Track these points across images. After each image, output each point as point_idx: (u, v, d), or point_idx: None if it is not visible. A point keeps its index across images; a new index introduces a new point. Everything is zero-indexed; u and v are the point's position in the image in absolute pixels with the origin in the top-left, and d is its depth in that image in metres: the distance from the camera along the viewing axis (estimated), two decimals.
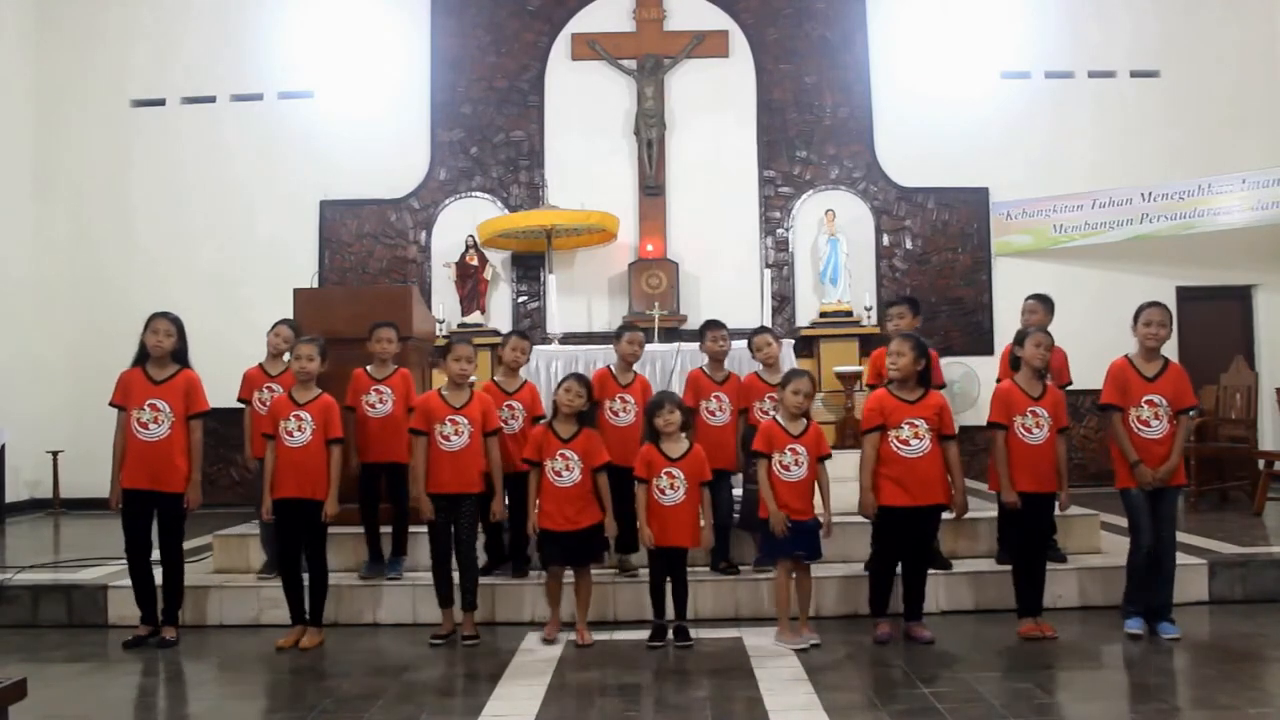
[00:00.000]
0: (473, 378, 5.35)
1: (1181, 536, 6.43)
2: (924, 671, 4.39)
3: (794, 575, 4.94)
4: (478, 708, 4.03)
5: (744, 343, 6.04)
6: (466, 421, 5.07)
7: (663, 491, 4.87)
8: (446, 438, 5.06)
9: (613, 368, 5.72)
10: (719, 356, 5.75)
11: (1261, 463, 8.17)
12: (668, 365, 6.77)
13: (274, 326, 5.97)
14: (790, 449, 4.83)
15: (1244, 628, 5.10)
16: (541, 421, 5.28)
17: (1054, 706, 4.00)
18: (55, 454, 9.76)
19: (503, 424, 5.44)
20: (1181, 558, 5.73)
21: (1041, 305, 5.90)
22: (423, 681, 4.52)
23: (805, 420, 4.93)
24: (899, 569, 5.03)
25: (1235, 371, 8.77)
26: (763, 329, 6.02)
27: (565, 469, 4.93)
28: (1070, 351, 6.02)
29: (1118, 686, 4.33)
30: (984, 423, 5.27)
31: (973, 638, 4.96)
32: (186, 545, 5.36)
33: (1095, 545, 6.02)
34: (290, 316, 6.10)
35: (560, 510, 4.92)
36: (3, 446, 9.44)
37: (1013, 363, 5.11)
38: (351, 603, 5.57)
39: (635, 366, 5.79)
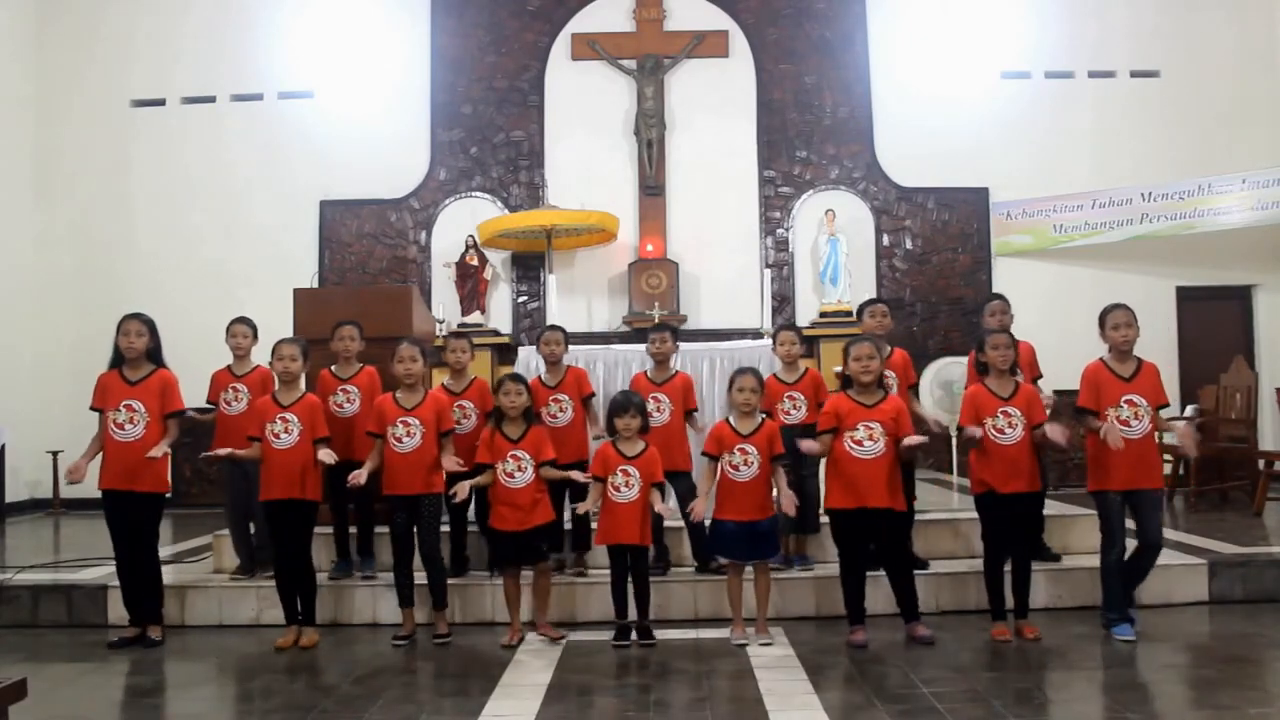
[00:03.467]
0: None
1: (1181, 536, 6.46)
2: (924, 671, 4.39)
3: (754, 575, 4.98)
4: (478, 708, 4.03)
5: (742, 342, 6.04)
6: (419, 423, 5.05)
7: (617, 489, 4.88)
8: (399, 439, 5.05)
9: (543, 375, 5.77)
10: (661, 359, 5.76)
11: (1261, 463, 8.16)
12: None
13: (230, 327, 5.95)
14: (739, 449, 4.83)
15: (1244, 628, 5.09)
16: (487, 426, 5.22)
17: (1054, 706, 4.00)
18: (55, 454, 9.76)
19: (455, 424, 5.39)
20: (1181, 557, 5.75)
21: (1008, 304, 5.89)
22: (423, 681, 4.52)
23: (757, 419, 4.92)
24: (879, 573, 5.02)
25: (1235, 371, 8.76)
26: (788, 326, 6.02)
27: (518, 469, 4.95)
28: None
29: (1118, 686, 4.33)
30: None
31: (972, 638, 4.96)
32: (186, 545, 5.36)
33: (1094, 545, 5.99)
34: (245, 315, 6.05)
35: (512, 511, 4.94)
36: (3, 446, 9.45)
37: (980, 368, 5.09)
38: (352, 603, 5.56)
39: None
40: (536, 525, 4.96)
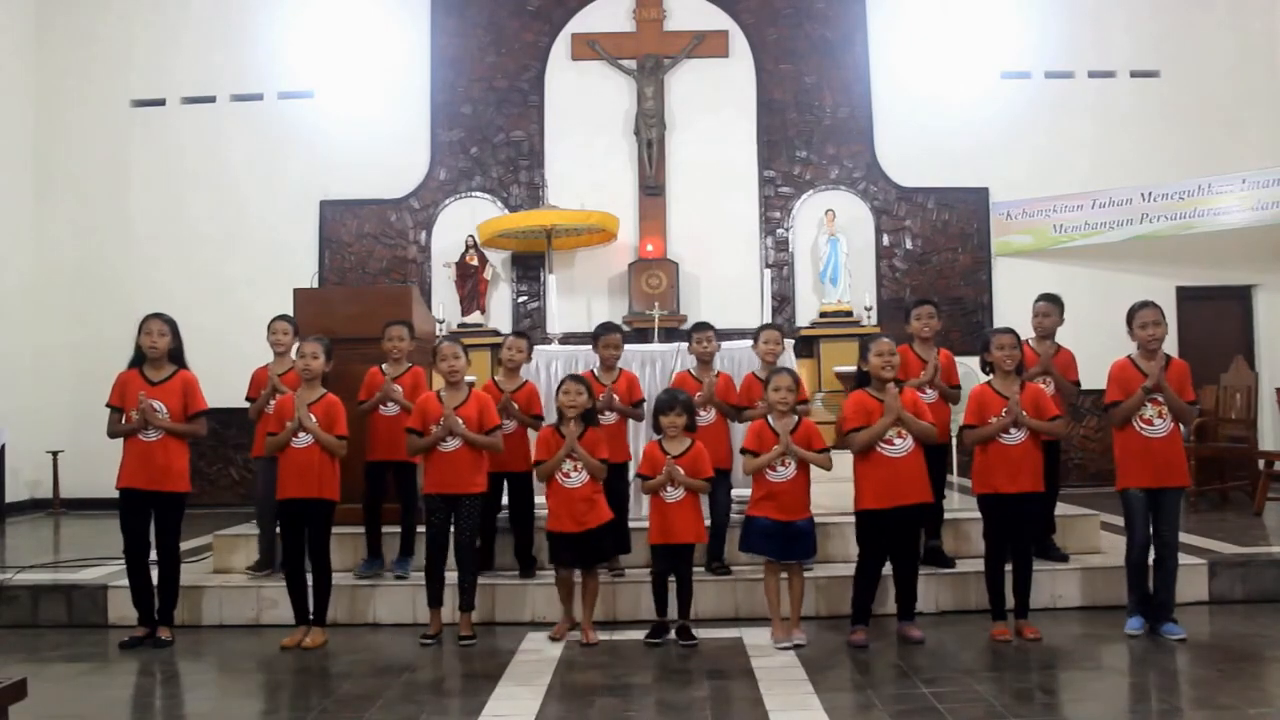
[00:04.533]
0: (471, 376, 5.34)
1: (1181, 536, 6.40)
2: (924, 672, 4.39)
3: (785, 575, 4.96)
4: (478, 708, 4.03)
5: (740, 342, 6.04)
6: (463, 422, 5.06)
7: (666, 489, 4.88)
8: (443, 439, 5.06)
9: (595, 370, 5.75)
10: (705, 358, 5.78)
11: (1261, 463, 8.16)
12: (668, 365, 6.77)
13: (271, 324, 5.99)
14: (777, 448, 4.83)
15: (1244, 628, 5.10)
16: (546, 424, 5.27)
17: (1054, 706, 4.01)
18: (55, 454, 9.76)
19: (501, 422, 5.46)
20: (1181, 558, 5.71)
21: (1055, 307, 5.80)
22: (423, 681, 4.52)
23: (794, 418, 4.92)
24: (884, 573, 5.00)
25: (1235, 371, 8.76)
26: (770, 325, 6.01)
27: (574, 469, 4.95)
28: (1070, 351, 6.00)
29: (1118, 687, 4.33)
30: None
31: (973, 638, 4.96)
32: (186, 545, 5.36)
33: (1095, 545, 6.02)
34: (288, 313, 6.11)
35: (569, 512, 4.93)
36: (3, 446, 9.44)
37: (985, 368, 5.09)
38: (352, 603, 5.56)
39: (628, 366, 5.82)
40: (593, 528, 4.95)
